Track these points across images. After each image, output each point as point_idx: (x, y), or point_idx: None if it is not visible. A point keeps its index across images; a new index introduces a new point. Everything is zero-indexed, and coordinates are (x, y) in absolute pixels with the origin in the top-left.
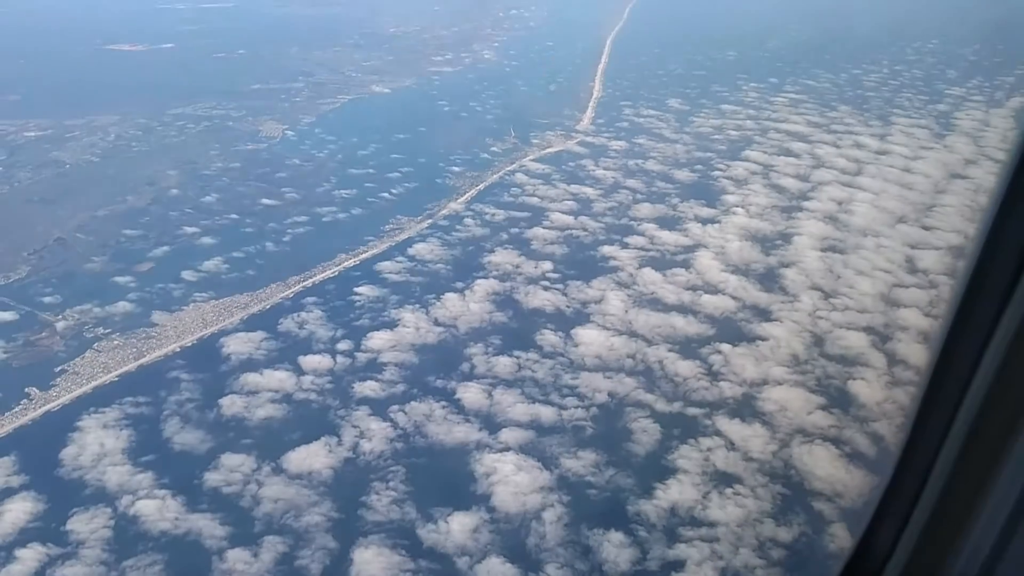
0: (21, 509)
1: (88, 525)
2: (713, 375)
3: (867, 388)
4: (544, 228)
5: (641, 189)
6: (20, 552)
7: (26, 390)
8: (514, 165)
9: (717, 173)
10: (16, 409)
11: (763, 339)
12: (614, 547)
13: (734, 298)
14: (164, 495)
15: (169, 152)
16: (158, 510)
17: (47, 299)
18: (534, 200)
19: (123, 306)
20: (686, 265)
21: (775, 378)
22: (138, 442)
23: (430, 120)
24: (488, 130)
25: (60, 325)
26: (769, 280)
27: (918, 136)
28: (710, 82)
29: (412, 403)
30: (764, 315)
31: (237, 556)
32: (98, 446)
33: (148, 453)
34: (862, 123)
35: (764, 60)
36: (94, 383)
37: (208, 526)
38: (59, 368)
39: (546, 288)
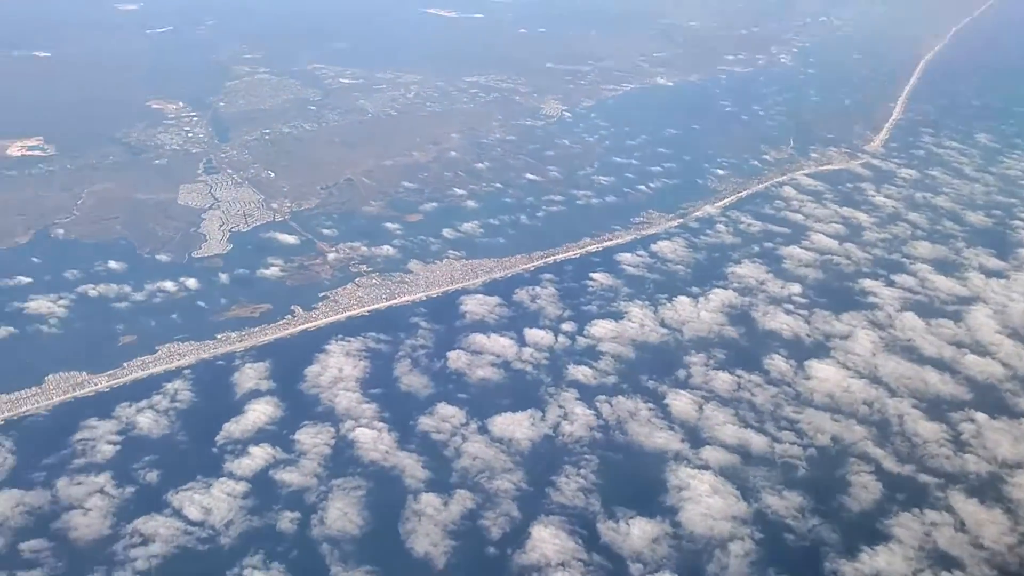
0: (263, 411)
1: (313, 439)
2: (959, 444)
3: None
4: (801, 248)
5: (923, 225)
6: (252, 449)
7: (292, 307)
8: (784, 177)
9: (1018, 223)
10: (280, 322)
11: None
12: None
13: (1004, 364)
14: (382, 428)
15: (457, 116)
16: (373, 440)
17: (327, 231)
18: (797, 217)
19: (387, 250)
20: (956, 317)
21: None
22: (371, 375)
23: (706, 118)
24: (766, 136)
25: (331, 256)
26: None
27: None
28: None
29: (620, 397)
30: None
31: (429, 501)
32: (337, 370)
33: (377, 387)
34: None
35: None
36: (348, 313)
37: (412, 466)
38: (323, 294)
39: (788, 312)
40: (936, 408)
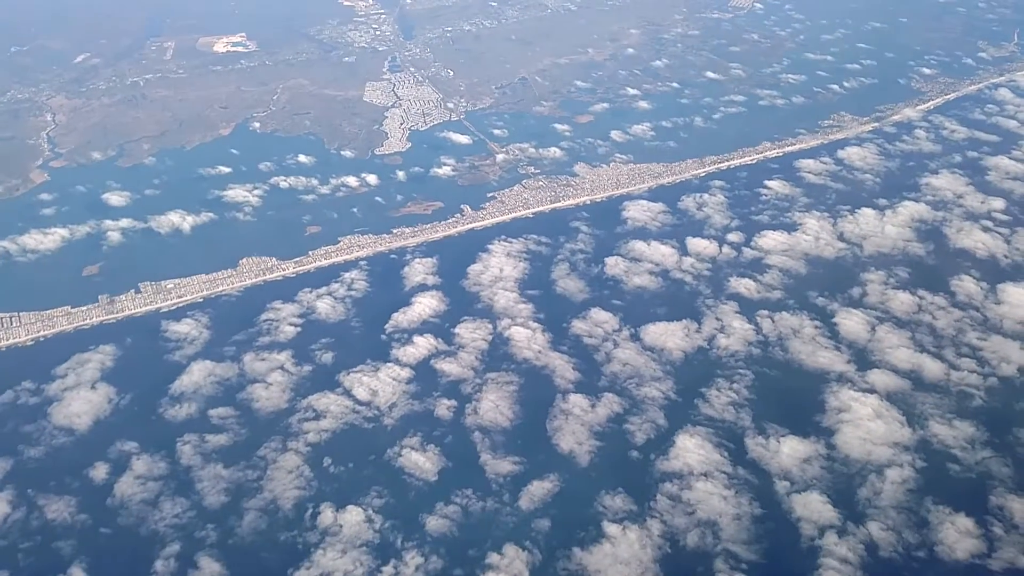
0: (428, 304)
1: (471, 334)
2: None
3: None
4: (1011, 159)
5: None
6: (417, 338)
7: (461, 206)
8: (1002, 78)
9: None
10: (450, 220)
11: None
12: (956, 531)
13: None
14: (536, 328)
15: (638, 10)
16: (527, 339)
17: (497, 131)
18: (1011, 124)
19: (555, 151)
20: None
21: None
22: (530, 276)
23: (917, 10)
24: (984, 31)
25: (501, 157)
26: None
27: None
28: None
29: (783, 313)
30: None
31: (577, 401)
32: (498, 270)
33: (535, 288)
34: None
35: None
36: (513, 214)
37: (563, 367)
38: (491, 194)
39: (986, 229)
40: None
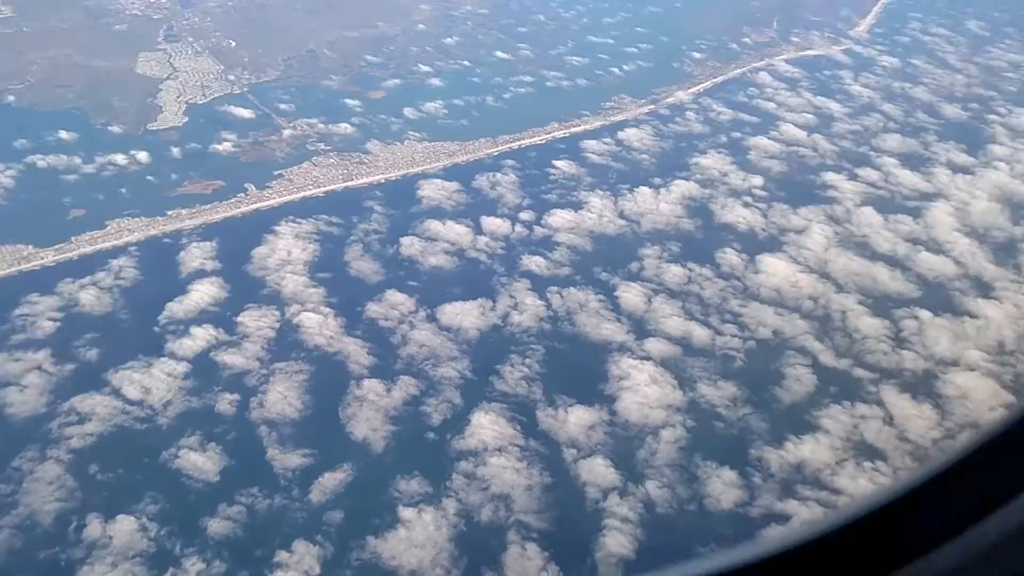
0: (207, 292)
1: (256, 322)
2: (899, 341)
3: None
4: (769, 139)
5: (896, 117)
6: (194, 329)
7: (245, 185)
8: (762, 62)
9: (993, 117)
10: (232, 200)
11: (972, 316)
12: (722, 484)
13: (957, 263)
14: (328, 313)
15: None
16: (319, 325)
17: (284, 105)
18: (769, 105)
19: (346, 128)
20: (916, 214)
21: (968, 362)
22: (321, 258)
23: None
24: (748, 18)
25: (287, 132)
26: (1006, 252)
27: None
28: None
29: (571, 288)
30: (984, 290)
31: (372, 386)
32: (286, 253)
33: (326, 271)
34: None
35: None
36: (303, 193)
37: (357, 352)
38: (277, 172)
39: (747, 205)
40: (881, 305)
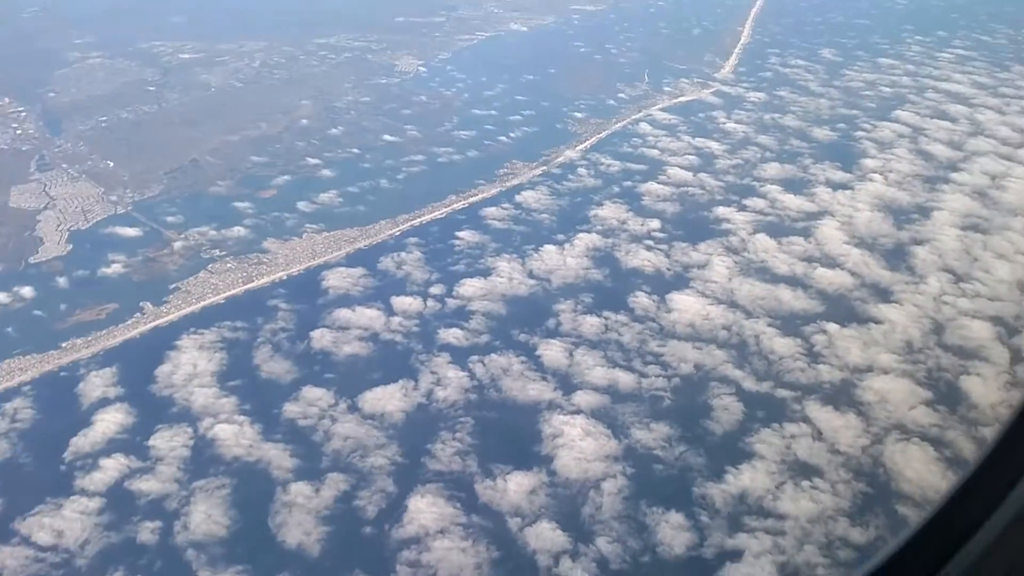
0: (112, 420)
1: (169, 443)
2: (813, 356)
3: (981, 386)
4: (659, 183)
5: (772, 147)
6: (104, 461)
7: (140, 304)
8: (640, 114)
9: (860, 134)
10: (128, 322)
11: (877, 322)
12: (671, 528)
13: (853, 274)
14: (243, 421)
15: (307, 82)
16: (235, 435)
17: (171, 218)
18: (654, 152)
19: (239, 231)
20: (806, 234)
21: (881, 366)
22: (229, 366)
23: (562, 62)
24: (620, 74)
25: (179, 244)
26: (896, 257)
27: None
28: (871, 32)
29: (492, 355)
30: (883, 295)
31: (300, 489)
32: (191, 366)
33: (236, 378)
34: None
35: (936, 10)
36: (202, 303)
37: (279, 456)
38: (173, 286)
39: (649, 248)
40: (790, 324)
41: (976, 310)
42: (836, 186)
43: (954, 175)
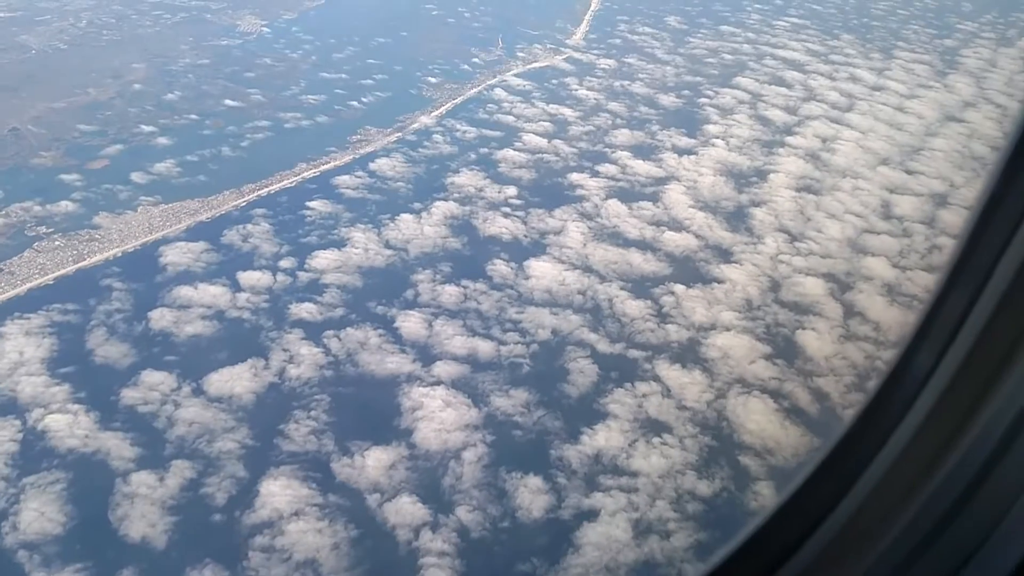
0: None
1: None
2: (662, 317)
3: (815, 340)
4: (515, 150)
5: (622, 113)
6: None
7: None
8: (495, 79)
9: (703, 100)
10: None
11: (719, 281)
12: (530, 493)
13: (698, 236)
14: (77, 410)
15: (140, 43)
16: (69, 426)
17: None
18: (509, 119)
19: (67, 205)
20: (654, 198)
21: (724, 323)
22: (60, 352)
23: (414, 24)
24: (474, 39)
25: (0, 222)
26: (737, 219)
27: (918, 72)
28: (714, 1)
29: (348, 329)
30: (725, 256)
31: (142, 479)
32: (17, 354)
33: (68, 364)
34: (862, 54)
35: None
36: (29, 284)
37: (118, 446)
38: None
39: (506, 215)
40: (641, 286)
41: (810, 267)
42: (682, 151)
43: (789, 139)
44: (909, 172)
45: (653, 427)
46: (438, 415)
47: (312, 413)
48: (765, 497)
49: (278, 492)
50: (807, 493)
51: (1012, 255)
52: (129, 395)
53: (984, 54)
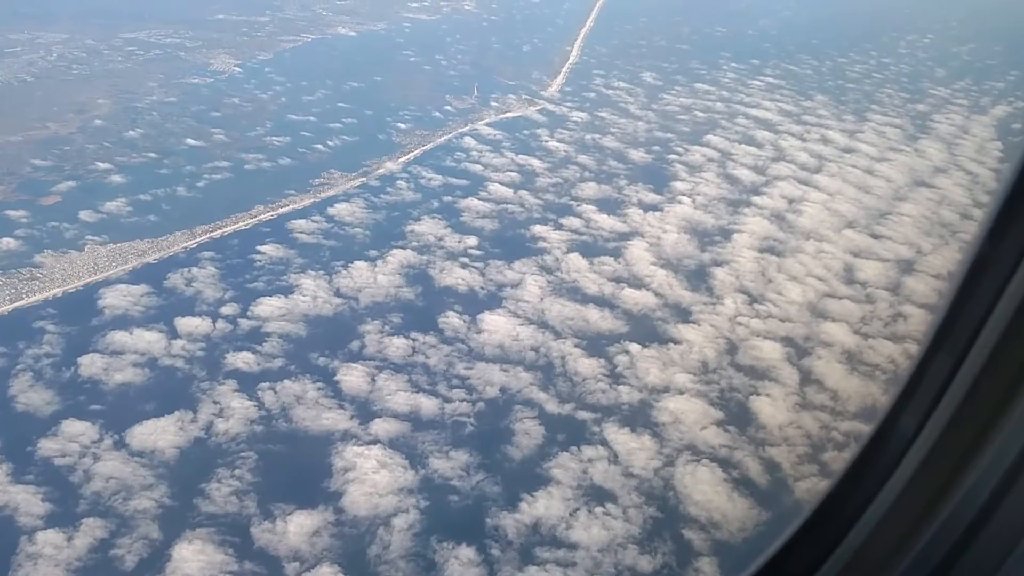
0: None
1: None
2: (615, 377)
3: (770, 406)
4: (479, 199)
5: (591, 166)
6: None
7: None
8: (466, 128)
9: (673, 157)
10: None
11: (676, 342)
12: (460, 565)
13: (657, 294)
14: None
15: (108, 79)
16: None
17: None
18: (476, 168)
19: (8, 242)
20: (616, 254)
21: (677, 386)
22: None
23: (390, 70)
24: (448, 87)
25: None
26: (697, 278)
27: (890, 136)
28: (690, 58)
29: (285, 381)
30: (683, 316)
31: (49, 538)
32: None
33: None
34: (835, 116)
35: (751, 39)
36: None
37: (28, 500)
38: None
39: (464, 266)
40: (596, 344)
41: (768, 331)
42: (647, 207)
43: (756, 199)
44: (875, 236)
45: (597, 495)
46: (371, 477)
47: (236, 472)
48: (708, 573)
49: (191, 557)
50: (784, 557)
51: (997, 318)
52: (47, 446)
53: (956, 120)
